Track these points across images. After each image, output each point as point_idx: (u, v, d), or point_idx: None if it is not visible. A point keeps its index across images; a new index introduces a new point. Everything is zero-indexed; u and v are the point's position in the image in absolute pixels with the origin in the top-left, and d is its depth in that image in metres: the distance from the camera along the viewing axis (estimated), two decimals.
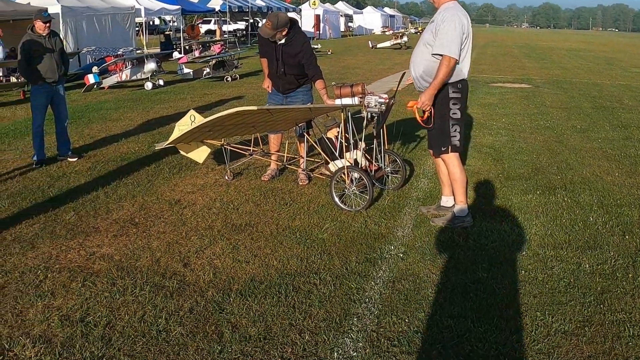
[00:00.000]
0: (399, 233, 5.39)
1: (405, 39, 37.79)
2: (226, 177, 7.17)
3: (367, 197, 5.87)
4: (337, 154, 6.26)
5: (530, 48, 43.84)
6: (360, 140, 6.36)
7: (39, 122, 8.08)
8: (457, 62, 5.11)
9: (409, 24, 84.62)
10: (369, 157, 6.46)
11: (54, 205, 6.31)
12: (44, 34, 8.01)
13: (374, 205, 6.07)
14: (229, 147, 7.00)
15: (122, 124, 11.13)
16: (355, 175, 5.97)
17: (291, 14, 44.94)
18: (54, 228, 5.66)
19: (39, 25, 7.99)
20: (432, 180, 7.07)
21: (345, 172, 5.96)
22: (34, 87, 8.12)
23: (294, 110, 5.65)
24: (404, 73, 6.44)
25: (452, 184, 5.53)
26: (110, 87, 16.54)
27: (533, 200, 6.36)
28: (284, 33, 6.36)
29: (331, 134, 6.52)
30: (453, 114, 5.30)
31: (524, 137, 9.84)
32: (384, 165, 6.53)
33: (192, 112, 7.08)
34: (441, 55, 5.10)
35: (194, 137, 5.33)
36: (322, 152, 6.40)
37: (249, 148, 7.07)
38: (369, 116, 6.14)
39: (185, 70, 18.36)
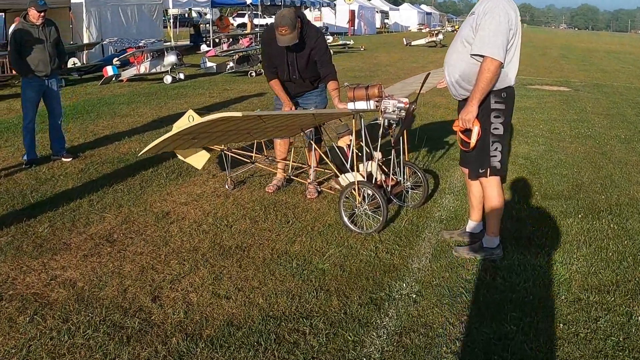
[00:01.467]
0: (414, 265, 4.53)
1: (440, 36, 36.73)
2: (227, 186, 6.39)
3: (380, 219, 5.02)
4: (348, 166, 5.40)
5: (568, 49, 42.23)
6: (376, 150, 5.51)
7: (30, 118, 7.41)
8: (501, 66, 4.12)
9: (446, 22, 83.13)
10: (385, 170, 5.60)
11: (31, 213, 5.63)
12: (38, 24, 7.33)
13: (389, 227, 5.22)
14: (229, 153, 6.22)
15: (130, 120, 10.45)
16: (368, 191, 5.12)
17: (325, 9, 43.93)
18: (21, 243, 4.97)
19: (33, 14, 7.32)
20: (459, 196, 6.18)
21: (356, 188, 5.11)
22: (24, 80, 7.47)
23: (293, 117, 4.81)
24: (428, 74, 5.55)
25: (485, 212, 4.66)
26: (130, 80, 15.93)
27: (574, 225, 5.43)
28: (300, 30, 5.55)
29: (343, 142, 5.69)
30: (494, 129, 4.33)
31: (563, 147, 8.86)
32: (403, 179, 5.66)
33: (190, 112, 6.32)
34: (482, 56, 4.12)
35: (177, 144, 4.54)
36: (330, 163, 5.55)
37: (252, 154, 6.28)
38: (386, 123, 5.28)
39: (209, 64, 17.66)
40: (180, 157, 6.26)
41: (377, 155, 5.57)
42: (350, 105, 5.36)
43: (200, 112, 9.46)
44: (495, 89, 4.23)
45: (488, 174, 4.44)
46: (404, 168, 5.68)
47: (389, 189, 5.48)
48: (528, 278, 4.31)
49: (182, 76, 16.26)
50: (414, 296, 4.05)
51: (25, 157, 7.46)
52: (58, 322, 3.76)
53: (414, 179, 5.81)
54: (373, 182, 5.43)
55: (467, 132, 4.37)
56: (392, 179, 5.55)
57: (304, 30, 5.60)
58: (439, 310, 3.87)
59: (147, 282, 4.29)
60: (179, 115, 10.86)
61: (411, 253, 4.75)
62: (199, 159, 6.29)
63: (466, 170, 4.72)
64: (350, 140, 5.46)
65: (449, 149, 8.13)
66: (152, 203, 5.99)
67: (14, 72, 14.75)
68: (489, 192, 4.53)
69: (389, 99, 5.22)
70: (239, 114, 3.88)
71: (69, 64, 16.32)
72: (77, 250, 4.85)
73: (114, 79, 15.52)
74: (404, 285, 4.21)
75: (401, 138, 5.41)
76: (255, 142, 6.31)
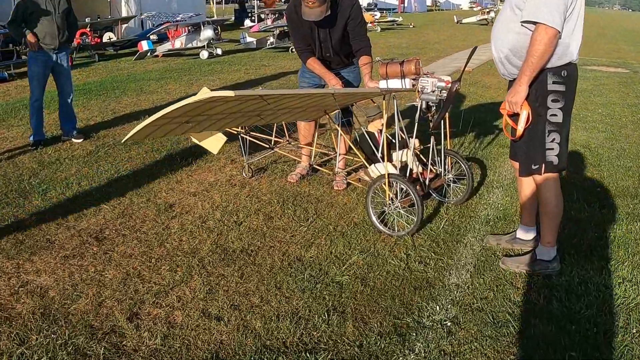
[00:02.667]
0: (452, 280, 3.69)
1: (492, 14, 35.16)
2: (244, 174, 5.63)
3: (415, 218, 4.19)
4: (379, 155, 4.56)
5: (624, 30, 39.90)
6: (412, 137, 4.65)
7: (36, 95, 6.78)
8: (558, 35, 3.25)
9: (499, 0, 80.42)
10: (423, 160, 4.74)
11: (21, 203, 5.04)
12: None
13: (425, 229, 4.39)
14: (247, 137, 5.45)
15: (156, 97, 9.79)
16: (401, 186, 4.29)
17: None
18: (0, 238, 4.30)
19: None
20: (510, 191, 5.28)
21: (386, 183, 4.28)
22: (30, 53, 6.80)
23: (306, 97, 3.96)
24: (475, 49, 4.63)
25: (540, 217, 3.77)
26: (165, 55, 15.32)
27: None
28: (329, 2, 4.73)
29: (374, 126, 4.84)
30: (552, 115, 3.48)
31: (626, 135, 7.77)
32: (444, 170, 4.80)
33: (204, 90, 5.60)
34: (534, 24, 3.27)
35: (168, 129, 3.78)
36: (357, 152, 4.72)
37: (272, 138, 5.49)
38: (424, 105, 4.41)
39: (248, 39, 16.91)
40: (195, 140, 5.55)
41: (414, 142, 4.71)
42: (383, 84, 4.51)
43: (223, 90, 8.73)
44: (553, 65, 3.39)
45: (543, 171, 3.57)
46: (445, 158, 4.81)
47: (426, 182, 4.62)
48: (591, 303, 3.42)
49: (219, 51, 15.56)
50: (449, 324, 3.22)
51: (32, 138, 6.85)
52: (13, 343, 3.10)
53: (456, 170, 4.94)
54: (407, 174, 4.58)
55: (515, 117, 3.58)
56: (430, 170, 4.69)
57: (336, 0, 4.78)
58: (479, 346, 3.03)
59: (128, 293, 3.58)
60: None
61: (449, 264, 3.90)
62: (214, 143, 5.56)
63: (516, 165, 3.85)
64: (383, 125, 4.60)
65: (498, 136, 7.17)
66: (157, 192, 5.29)
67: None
68: (544, 193, 3.66)
69: (427, 76, 4.35)
70: (231, 93, 3.08)
71: (105, 39, 15.79)
72: (60, 249, 4.19)
73: (149, 54, 14.93)
74: (438, 308, 3.37)
75: (442, 123, 4.53)
76: (275, 125, 5.50)
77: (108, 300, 3.53)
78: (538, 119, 3.49)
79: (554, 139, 3.51)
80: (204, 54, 14.86)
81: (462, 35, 26.11)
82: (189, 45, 15.09)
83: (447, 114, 4.47)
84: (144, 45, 14.82)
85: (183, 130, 3.91)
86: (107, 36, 16.14)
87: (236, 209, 4.87)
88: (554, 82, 3.43)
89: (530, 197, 3.86)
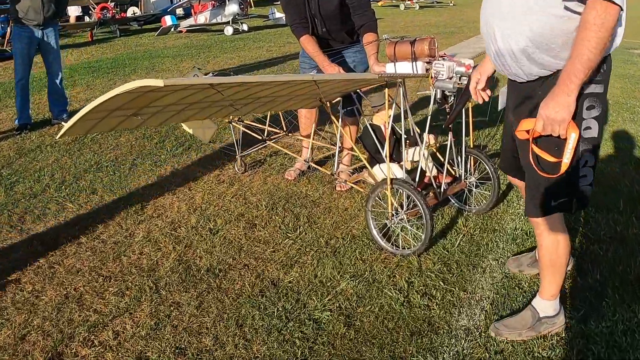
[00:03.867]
0: (462, 322, 2.89)
1: None
2: (236, 168, 4.89)
3: (422, 235, 3.40)
4: (383, 154, 3.75)
5: None
6: (425, 132, 3.83)
7: (20, 74, 6.15)
8: (619, 14, 2.16)
9: None
10: (440, 160, 3.93)
11: None
12: None
13: (436, 248, 3.59)
14: (239, 127, 4.70)
15: (165, 76, 9.10)
16: (405, 194, 3.49)
17: None
18: None
19: None
20: None
21: (388, 190, 3.49)
22: (14, 28, 6.14)
23: (280, 85, 3.13)
24: None
25: (542, 266, 2.75)
26: (189, 30, 14.63)
27: None
28: None
29: (380, 119, 4.02)
30: (586, 128, 2.39)
31: None
32: (465, 173, 3.97)
33: (195, 70, 4.91)
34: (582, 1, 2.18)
35: (110, 124, 3.04)
36: (356, 149, 3.93)
37: (265, 128, 4.74)
38: (439, 95, 3.58)
39: (277, 15, 16.07)
40: (184, 127, 4.84)
41: (427, 139, 3.90)
42: (390, 68, 3.69)
43: (227, 70, 7.93)
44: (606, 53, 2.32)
45: (573, 208, 2.52)
46: (466, 157, 3.98)
47: (442, 187, 3.81)
48: None
49: (245, 27, 14.82)
50: None
51: (17, 121, 6.24)
52: None
53: (480, 172, 4.10)
54: (418, 177, 3.76)
55: (550, 142, 2.40)
56: (447, 172, 3.88)
57: None
58: None
59: (60, 324, 2.93)
60: (222, 71, 9.48)
61: (461, 298, 3.10)
62: (205, 132, 4.86)
63: (517, 182, 2.95)
64: (389, 117, 3.79)
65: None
66: (133, 189, 4.61)
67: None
68: (549, 236, 2.63)
69: (444, 59, 3.51)
70: (159, 83, 2.32)
71: (129, 13, 15.19)
72: (0, 259, 3.52)
73: (172, 29, 14.26)
74: None
75: (463, 115, 3.71)
76: (269, 114, 4.74)
77: (34, 332, 2.87)
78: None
79: (586, 162, 2.43)
80: (229, 30, 14.13)
81: None
82: (214, 21, 14.38)
83: (469, 104, 3.64)
84: (168, 20, 14.18)
85: (135, 124, 3.17)
86: (132, 10, 15.52)
87: (216, 213, 4.14)
88: (591, 81, 2.32)
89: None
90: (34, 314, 3.02)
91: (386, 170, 3.66)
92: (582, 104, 2.33)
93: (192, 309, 3.01)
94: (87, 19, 14.85)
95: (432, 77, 3.55)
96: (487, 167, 4.00)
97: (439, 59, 3.54)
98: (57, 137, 3.40)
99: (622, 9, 2.12)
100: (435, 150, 4.05)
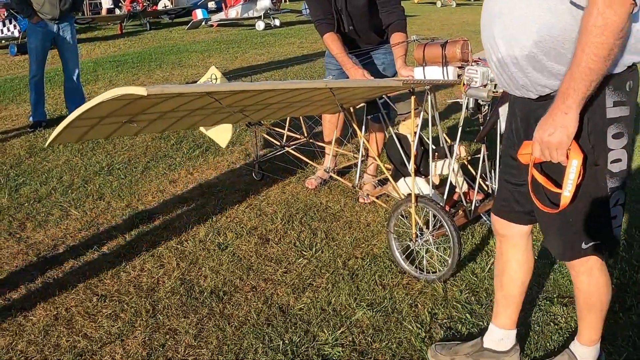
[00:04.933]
0: None
1: None
2: (254, 175, 4.57)
3: (449, 258, 3.04)
4: (409, 167, 3.38)
5: None
6: (455, 143, 3.46)
7: (34, 71, 5.93)
8: (632, 11, 1.69)
9: None
10: (474, 174, 3.56)
11: None
12: None
13: (465, 272, 3.23)
14: (257, 130, 4.39)
15: (191, 72, 8.87)
16: (431, 213, 3.13)
17: None
18: None
19: None
20: None
21: (412, 210, 3.13)
22: (28, 24, 5.92)
23: (289, 92, 2.78)
24: None
25: (582, 311, 2.29)
26: (220, 25, 14.40)
27: None
28: None
29: (406, 128, 3.64)
30: (614, 161, 1.98)
31: None
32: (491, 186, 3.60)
33: (213, 69, 4.59)
34: None
35: (107, 131, 2.74)
36: (378, 161, 3.58)
37: (284, 132, 4.41)
38: (472, 103, 3.21)
39: None
40: (202, 129, 4.53)
41: (459, 151, 3.53)
42: (418, 73, 3.33)
43: (240, 72, 7.61)
44: (614, 72, 1.87)
45: (603, 251, 2.12)
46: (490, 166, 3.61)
47: (473, 204, 3.43)
48: None
49: (277, 22, 14.51)
50: None
51: (31, 118, 6.03)
52: None
53: None
54: (448, 193, 3.39)
55: (553, 170, 2.01)
56: (479, 188, 3.50)
57: None
58: None
59: (44, 350, 2.72)
60: (250, 68, 9.17)
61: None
62: (222, 135, 4.53)
63: (502, 224, 2.35)
64: (416, 126, 3.42)
65: None
66: (142, 196, 4.32)
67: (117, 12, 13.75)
68: (593, 283, 2.20)
69: (478, 64, 3.13)
70: (142, 91, 2.00)
71: (160, 6, 15.02)
72: None
73: (203, 23, 14.03)
74: None
75: (497, 126, 3.32)
76: (288, 119, 4.41)
77: (15, 358, 2.58)
78: (593, 170, 1.97)
79: (617, 201, 2.03)
80: (260, 25, 13.84)
81: None
82: (245, 15, 14.11)
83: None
84: (199, 13, 13.97)
85: (133, 131, 2.87)
86: (163, 3, 15.35)
87: (227, 225, 3.83)
88: (615, 104, 1.91)
89: (522, 280, 2.42)
90: (20, 336, 2.76)
91: (411, 184, 3.30)
92: (606, 131, 1.92)
93: (189, 338, 2.71)
94: (117, 11, 14.71)
95: (464, 84, 3.17)
96: None
97: (473, 63, 3.16)
98: (45, 145, 3.12)
99: (636, 4, 1.66)
100: (466, 163, 3.68)
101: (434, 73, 3.25)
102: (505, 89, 2.13)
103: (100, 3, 16.76)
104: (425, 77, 3.27)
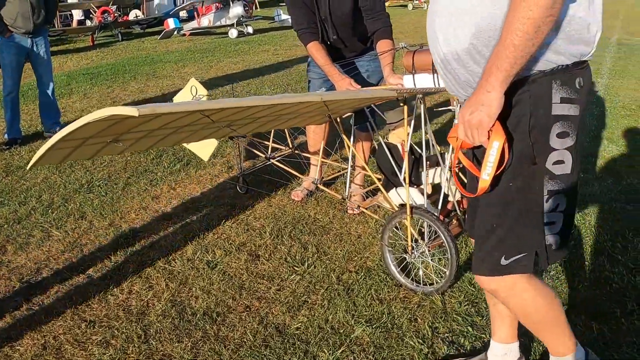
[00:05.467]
0: None
1: None
2: (238, 188, 4.49)
3: (446, 270, 2.99)
4: (401, 177, 3.32)
5: None
6: (448, 152, 3.41)
7: (9, 87, 5.77)
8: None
9: None
10: (465, 182, 3.49)
11: None
12: None
13: (462, 283, 3.19)
14: (240, 143, 4.31)
15: (166, 83, 8.73)
16: (427, 224, 3.08)
17: None
18: None
19: None
20: (586, 222, 3.98)
21: (407, 220, 3.07)
22: (1, 39, 5.75)
23: (279, 107, 2.70)
24: None
25: (533, 330, 2.16)
26: (193, 34, 14.26)
27: None
28: None
29: (397, 137, 3.58)
30: (556, 162, 1.83)
31: None
32: None
33: (192, 81, 4.55)
34: None
35: (91, 151, 2.64)
36: (368, 170, 3.52)
37: (269, 144, 4.33)
38: None
39: (283, 17, 15.68)
40: (184, 144, 4.44)
41: (452, 159, 3.47)
42: (407, 81, 3.27)
43: (217, 82, 7.52)
44: (561, 63, 1.76)
45: (533, 266, 1.90)
46: None
47: (467, 213, 3.37)
48: None
49: (250, 30, 14.43)
50: None
51: (6, 135, 5.86)
52: None
53: None
54: (441, 203, 3.34)
55: (476, 154, 2.00)
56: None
57: None
58: None
59: None
60: (225, 78, 9.08)
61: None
62: (203, 148, 4.48)
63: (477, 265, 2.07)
64: (409, 135, 3.37)
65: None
66: (125, 214, 4.20)
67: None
68: (526, 301, 2.00)
69: None
70: (133, 112, 1.91)
71: (131, 16, 14.84)
72: None
73: (175, 32, 13.88)
74: None
75: None
76: (272, 131, 4.33)
77: None
78: (530, 170, 1.82)
79: (557, 206, 1.86)
80: (233, 33, 13.74)
81: None
82: (217, 23, 13.99)
83: None
84: (171, 23, 13.82)
85: (118, 151, 2.77)
86: (134, 13, 15.16)
87: (214, 242, 3.73)
88: (563, 100, 1.78)
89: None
90: None
91: (404, 195, 3.24)
92: (549, 128, 1.78)
93: None
94: (88, 22, 14.49)
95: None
96: None
97: None
98: (27, 167, 3.00)
99: None
100: (458, 171, 3.63)
101: (425, 81, 3.20)
102: (452, 91, 2.00)
103: (71, 15, 16.50)
104: (415, 85, 3.21)
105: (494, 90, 1.69)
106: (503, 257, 1.88)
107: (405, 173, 3.23)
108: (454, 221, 3.36)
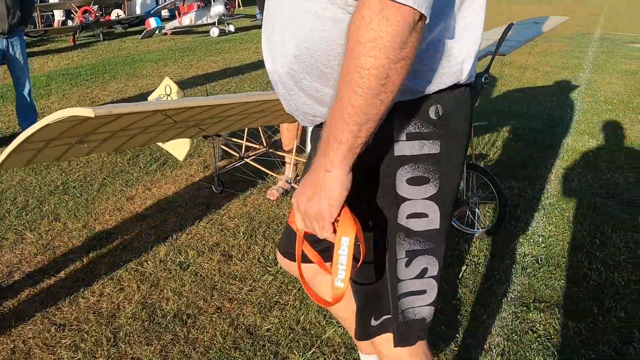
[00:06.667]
0: None
1: None
2: (213, 188, 4.46)
3: None
4: None
5: None
6: None
7: None
8: (419, 24, 1.08)
9: None
10: None
11: None
12: None
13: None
14: (215, 142, 4.29)
15: (145, 82, 8.67)
16: None
17: None
18: None
19: None
20: (555, 214, 4.00)
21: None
22: None
23: (242, 105, 2.67)
24: (511, 25, 3.34)
25: None
26: (175, 33, 14.17)
27: None
28: None
29: None
30: (412, 214, 1.39)
31: None
32: (466, 191, 3.56)
33: (167, 80, 4.53)
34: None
35: (56, 153, 2.61)
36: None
37: (243, 143, 4.31)
38: None
39: None
40: (159, 143, 4.41)
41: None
42: None
43: (196, 81, 7.50)
44: (414, 90, 1.31)
45: (396, 342, 1.53)
46: (467, 175, 3.57)
47: None
48: None
49: (232, 28, 14.35)
50: None
51: None
52: None
53: (484, 191, 3.68)
54: None
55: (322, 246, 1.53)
56: None
57: None
58: None
59: None
60: (206, 77, 9.04)
61: (467, 346, 2.67)
62: (178, 147, 4.45)
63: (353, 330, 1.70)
64: None
65: (543, 132, 5.86)
66: (99, 215, 4.16)
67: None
68: None
69: None
70: (89, 113, 1.89)
71: (112, 16, 14.73)
72: None
73: (157, 31, 13.79)
74: None
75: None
76: (246, 128, 4.32)
77: None
78: (378, 229, 1.44)
79: (425, 271, 1.46)
80: (215, 32, 13.68)
81: (494, 13, 24.36)
82: (199, 22, 13.92)
83: None
84: (152, 22, 13.72)
85: (84, 152, 2.74)
86: (115, 13, 15.06)
87: (188, 242, 3.71)
88: (410, 137, 1.35)
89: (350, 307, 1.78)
90: None
91: None
92: (395, 175, 1.36)
93: None
94: (69, 22, 14.37)
95: None
96: (490, 185, 3.58)
97: None
98: None
99: (423, 17, 1.08)
100: None
101: None
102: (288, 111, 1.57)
103: (53, 15, 16.36)
104: None
105: (335, 169, 1.19)
106: (373, 318, 1.53)
107: None
108: None
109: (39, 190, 4.67)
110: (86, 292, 3.21)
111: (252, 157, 4.24)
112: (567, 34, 13.86)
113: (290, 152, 4.23)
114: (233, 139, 4.35)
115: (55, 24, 15.27)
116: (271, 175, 4.26)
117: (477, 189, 3.67)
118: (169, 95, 4.54)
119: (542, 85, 8.21)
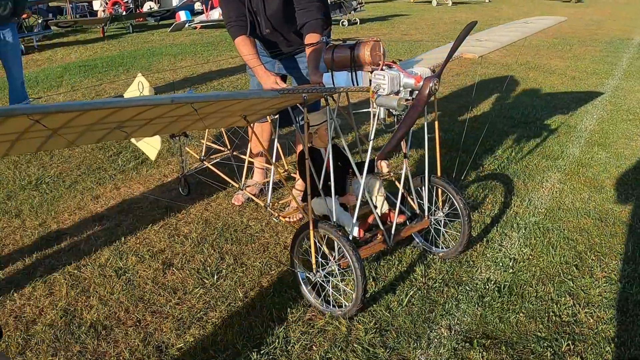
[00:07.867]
0: None
1: None
2: (181, 190, 4.30)
3: (355, 291, 2.77)
4: (320, 185, 3.08)
5: None
6: (378, 160, 3.21)
7: None
8: None
9: None
10: (405, 194, 3.25)
11: None
12: None
13: (379, 306, 2.96)
14: (180, 144, 4.13)
15: (156, 77, 8.58)
16: (334, 240, 2.85)
17: None
18: None
19: None
20: (533, 235, 3.71)
21: (311, 236, 2.85)
22: None
23: (114, 110, 2.43)
24: (473, 24, 3.06)
25: None
26: (204, 27, 14.12)
27: None
28: None
29: (321, 141, 3.34)
30: None
31: None
32: (431, 207, 3.32)
33: (140, 77, 4.40)
34: None
35: (25, 146, 2.48)
36: (283, 179, 3.31)
37: (203, 144, 4.15)
38: (382, 114, 2.92)
39: None
40: (132, 141, 4.32)
41: (380, 166, 3.26)
42: (327, 79, 3.05)
43: (193, 77, 7.33)
44: None
45: None
46: (431, 189, 3.32)
47: (394, 228, 3.14)
48: None
49: None
50: None
51: None
52: None
53: (449, 206, 3.42)
54: (358, 215, 3.09)
55: None
56: (400, 211, 3.22)
57: None
58: None
59: None
60: (222, 72, 8.89)
61: None
62: (150, 147, 4.30)
63: None
64: (332, 139, 3.12)
65: (553, 144, 5.53)
66: (59, 214, 4.07)
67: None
68: None
69: (389, 69, 2.85)
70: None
71: (145, 8, 14.78)
72: None
73: (187, 25, 13.77)
74: None
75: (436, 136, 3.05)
76: (206, 130, 4.15)
77: None
78: None
79: None
80: None
81: (538, 13, 23.59)
82: None
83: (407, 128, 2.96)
84: (182, 15, 13.71)
85: (62, 144, 2.58)
86: (148, 5, 15.11)
87: (134, 247, 3.56)
88: None
89: None
90: None
91: (323, 205, 3.02)
92: None
93: None
94: (101, 14, 14.50)
95: (372, 92, 2.88)
96: (456, 200, 3.32)
97: (387, 66, 2.86)
98: None
99: None
100: (394, 180, 3.40)
101: (341, 79, 2.97)
102: None
103: (90, 5, 16.52)
104: (334, 84, 2.99)
105: None
106: None
107: (321, 182, 3.00)
108: (379, 237, 3.13)
109: (12, 185, 4.60)
110: (15, 294, 3.11)
111: (214, 161, 4.06)
112: (606, 38, 13.27)
113: (258, 156, 4.05)
114: (201, 141, 4.19)
115: (99, 16, 15.36)
116: (235, 180, 4.03)
117: (443, 204, 3.41)
118: (141, 92, 4.42)
119: (564, 91, 7.81)
